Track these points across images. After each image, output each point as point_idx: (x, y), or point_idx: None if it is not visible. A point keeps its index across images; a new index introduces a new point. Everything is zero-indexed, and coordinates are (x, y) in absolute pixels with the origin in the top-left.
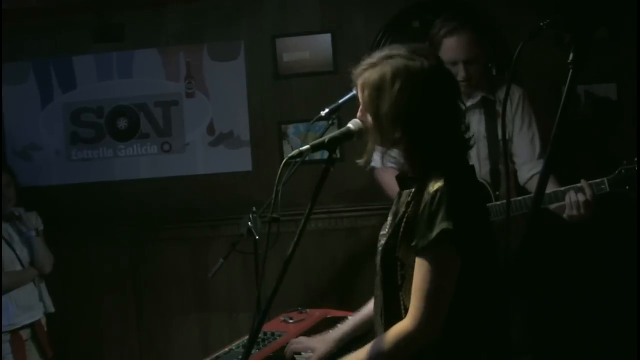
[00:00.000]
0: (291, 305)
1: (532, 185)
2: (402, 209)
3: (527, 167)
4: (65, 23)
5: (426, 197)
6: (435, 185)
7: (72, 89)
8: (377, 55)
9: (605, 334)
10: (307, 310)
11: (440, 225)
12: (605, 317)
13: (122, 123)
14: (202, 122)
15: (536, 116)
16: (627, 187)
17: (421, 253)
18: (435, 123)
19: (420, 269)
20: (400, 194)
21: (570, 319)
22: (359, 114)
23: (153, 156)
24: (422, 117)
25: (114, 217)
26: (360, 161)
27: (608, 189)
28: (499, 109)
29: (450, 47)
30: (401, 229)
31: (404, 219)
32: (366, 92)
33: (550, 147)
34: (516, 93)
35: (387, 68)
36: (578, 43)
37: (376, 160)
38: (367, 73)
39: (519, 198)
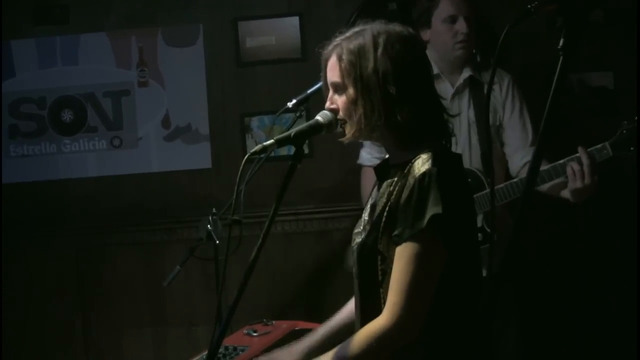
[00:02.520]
0: (255, 317)
1: (525, 174)
2: (383, 200)
3: (520, 154)
4: (2, 3)
5: (411, 181)
6: (422, 168)
7: (11, 77)
8: (350, 30)
9: (604, 336)
10: (273, 322)
11: (430, 211)
12: (604, 318)
13: (67, 115)
14: (156, 115)
15: (527, 104)
16: (631, 149)
17: (406, 242)
18: (421, 86)
19: (401, 259)
20: (379, 187)
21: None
22: (327, 103)
23: (102, 152)
24: (409, 76)
25: (57, 220)
26: (347, 137)
27: (611, 153)
28: None
29: (451, 1)
30: (383, 220)
31: (387, 209)
32: (345, 60)
33: (538, 144)
34: (505, 78)
35: (365, 34)
36: (569, 27)
37: (363, 157)
38: (343, 44)
39: (512, 181)
